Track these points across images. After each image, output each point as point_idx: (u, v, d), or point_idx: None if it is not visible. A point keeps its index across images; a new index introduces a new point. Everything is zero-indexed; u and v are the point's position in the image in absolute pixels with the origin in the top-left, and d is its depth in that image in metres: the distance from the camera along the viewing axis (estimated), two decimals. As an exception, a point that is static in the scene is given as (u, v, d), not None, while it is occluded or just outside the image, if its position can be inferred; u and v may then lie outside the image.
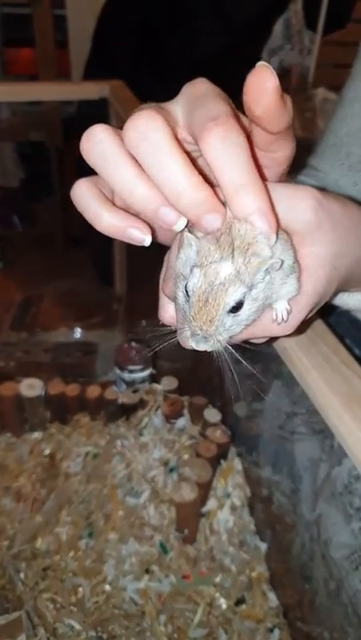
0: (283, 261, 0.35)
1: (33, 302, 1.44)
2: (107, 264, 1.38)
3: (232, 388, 0.99)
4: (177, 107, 0.37)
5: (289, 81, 2.10)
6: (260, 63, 0.32)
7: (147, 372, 1.04)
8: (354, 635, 0.63)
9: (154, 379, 1.07)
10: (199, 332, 0.35)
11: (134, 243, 0.35)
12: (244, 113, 0.35)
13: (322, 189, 0.39)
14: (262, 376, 0.82)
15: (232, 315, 0.35)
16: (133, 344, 1.05)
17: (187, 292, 0.35)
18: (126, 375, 1.03)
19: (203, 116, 0.34)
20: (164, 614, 0.80)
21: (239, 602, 0.83)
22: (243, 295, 0.34)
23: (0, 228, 1.94)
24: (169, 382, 1.07)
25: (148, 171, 0.33)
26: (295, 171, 0.79)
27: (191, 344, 0.36)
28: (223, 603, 0.82)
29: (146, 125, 0.33)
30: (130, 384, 1.04)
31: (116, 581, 0.83)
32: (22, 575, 0.83)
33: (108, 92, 1.17)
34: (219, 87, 0.37)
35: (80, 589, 0.82)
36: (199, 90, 0.37)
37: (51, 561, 0.85)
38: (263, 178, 0.35)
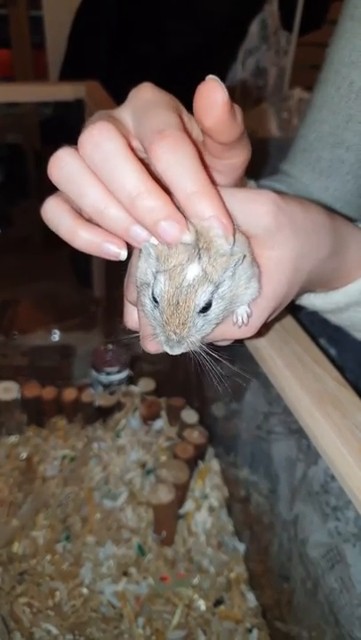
0: (245, 255, 0.36)
1: (11, 305, 1.42)
2: (85, 267, 1.38)
3: (210, 389, 0.99)
4: (126, 114, 0.38)
5: (265, 81, 2.12)
6: (209, 77, 0.32)
7: (124, 374, 1.04)
8: (331, 633, 0.63)
9: (131, 380, 1.07)
10: (173, 336, 0.35)
11: (110, 258, 0.35)
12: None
13: (283, 193, 0.40)
14: (240, 376, 0.82)
15: (202, 315, 0.36)
16: (110, 346, 1.05)
17: (154, 298, 0.36)
18: (103, 377, 1.03)
19: (150, 128, 0.34)
20: (143, 617, 0.80)
21: (218, 603, 0.83)
22: (211, 294, 0.35)
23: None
24: (146, 384, 1.06)
25: (104, 180, 0.34)
26: (270, 173, 0.80)
27: (165, 349, 0.37)
28: (202, 604, 0.82)
29: (99, 136, 0.33)
30: (107, 386, 1.04)
31: (93, 584, 0.82)
32: (-2, 580, 0.82)
33: (84, 92, 1.16)
34: (169, 92, 0.38)
35: (57, 593, 0.81)
36: (144, 97, 0.37)
37: (27, 565, 0.84)
38: (215, 183, 0.35)
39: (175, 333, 0.35)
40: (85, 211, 0.35)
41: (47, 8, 2.34)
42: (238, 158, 0.38)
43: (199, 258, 0.34)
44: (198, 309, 0.35)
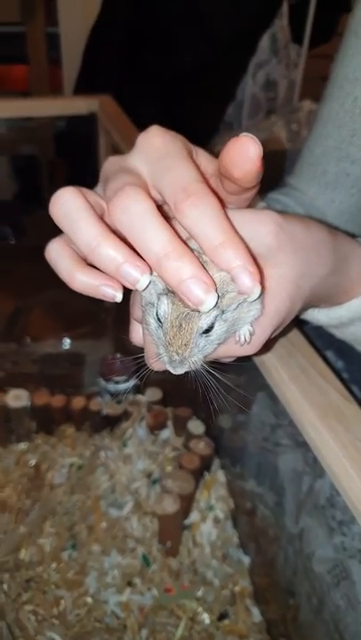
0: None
1: (22, 313, 1.44)
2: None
3: (215, 403, 1.00)
4: (140, 164, 0.39)
5: (275, 94, 2.13)
6: (243, 134, 0.33)
7: (131, 384, 1.05)
8: (336, 651, 0.63)
9: (138, 390, 1.08)
10: (176, 356, 0.37)
11: (107, 300, 0.36)
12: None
13: (285, 212, 0.40)
14: (247, 388, 0.82)
15: (205, 335, 0.37)
16: (118, 355, 1.06)
17: (158, 318, 0.37)
18: (111, 386, 1.04)
19: (172, 184, 0.35)
20: (146, 628, 0.80)
21: (222, 616, 0.82)
22: (215, 318, 0.36)
23: (-9, 241, 1.94)
24: (153, 393, 1.07)
25: (132, 242, 0.34)
26: (280, 185, 0.80)
27: (168, 368, 0.38)
28: (206, 617, 0.82)
29: (127, 199, 0.34)
30: (114, 395, 1.04)
31: (98, 594, 0.83)
32: (5, 586, 0.82)
33: (97, 106, 1.18)
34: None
35: (62, 602, 0.81)
36: (156, 146, 0.38)
37: (34, 572, 0.84)
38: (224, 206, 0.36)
39: (178, 354, 0.36)
40: (79, 249, 0.35)
41: (63, 25, 2.38)
42: (251, 193, 0.39)
43: None
44: (201, 331, 0.36)
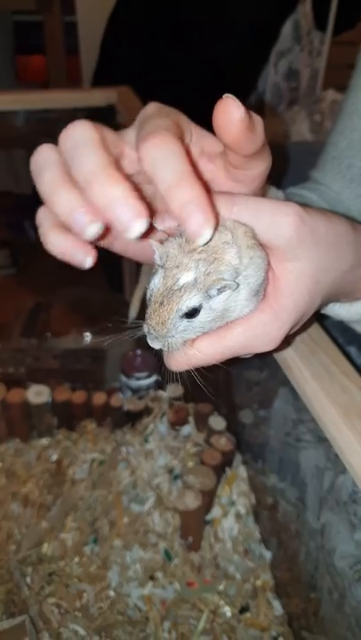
0: (238, 285, 0.36)
1: (44, 309, 1.45)
2: (116, 271, 1.39)
3: (238, 395, 0.99)
4: (131, 132, 0.39)
5: (298, 83, 2.10)
6: (225, 95, 0.33)
7: (152, 379, 1.05)
8: (358, 646, 0.63)
9: (159, 386, 1.08)
10: (152, 331, 0.37)
11: (76, 264, 0.36)
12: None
13: (308, 205, 0.40)
14: (269, 383, 0.82)
15: (186, 319, 0.36)
16: (139, 351, 1.06)
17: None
18: (132, 382, 1.04)
19: (142, 134, 0.35)
20: (168, 621, 0.80)
21: (243, 610, 0.83)
22: (198, 304, 0.36)
23: (12, 235, 1.96)
24: (174, 389, 1.07)
25: (69, 167, 0.34)
26: (300, 177, 0.79)
27: (148, 340, 0.38)
28: (227, 610, 0.82)
29: (72, 128, 0.34)
30: (135, 391, 1.05)
31: (120, 587, 0.83)
32: (28, 579, 0.84)
33: (116, 98, 1.18)
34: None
35: (85, 595, 0.82)
36: (147, 113, 0.39)
37: (56, 566, 0.86)
38: (209, 190, 0.36)
39: (154, 330, 0.36)
40: (42, 198, 0.35)
41: (81, 14, 2.37)
42: (259, 168, 0.39)
43: (197, 266, 0.35)
44: (180, 314, 0.36)
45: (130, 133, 0.39)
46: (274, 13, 1.91)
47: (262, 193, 0.45)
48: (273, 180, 0.67)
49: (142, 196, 0.33)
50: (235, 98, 0.33)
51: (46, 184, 0.34)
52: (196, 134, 0.41)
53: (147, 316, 0.37)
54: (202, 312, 0.36)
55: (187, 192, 0.32)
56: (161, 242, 0.37)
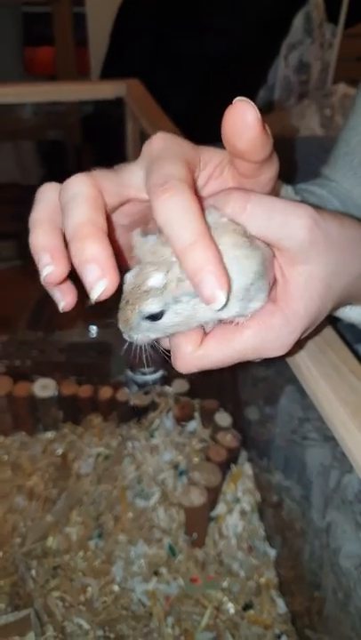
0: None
1: (50, 301, 1.44)
2: (122, 265, 1.39)
3: (244, 392, 0.99)
4: (138, 168, 0.38)
5: (308, 76, 2.07)
6: (237, 98, 0.32)
7: (158, 375, 1.05)
8: (362, 646, 0.63)
9: (165, 381, 1.07)
10: (119, 327, 0.37)
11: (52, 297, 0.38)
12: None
13: (319, 207, 0.39)
14: (275, 380, 0.81)
15: (149, 320, 0.36)
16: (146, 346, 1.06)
17: None
18: (138, 377, 1.04)
19: (153, 181, 0.34)
20: (172, 616, 0.80)
21: (247, 607, 0.83)
22: (159, 310, 0.35)
23: (19, 226, 1.96)
24: (180, 385, 1.07)
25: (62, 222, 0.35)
26: (310, 172, 0.78)
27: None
28: (231, 607, 0.82)
29: (69, 183, 0.35)
30: (141, 386, 1.05)
31: (124, 582, 0.84)
32: (33, 573, 0.84)
33: (125, 91, 1.17)
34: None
35: (89, 589, 0.83)
36: (155, 149, 0.37)
37: (61, 560, 0.86)
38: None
39: (120, 326, 0.37)
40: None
41: (90, 5, 2.35)
42: (267, 175, 0.38)
43: (170, 269, 0.34)
44: (143, 316, 0.36)
45: (136, 173, 0.38)
46: (285, 5, 1.88)
47: (275, 193, 0.44)
48: (281, 176, 0.66)
49: (117, 251, 0.34)
50: (248, 100, 0.32)
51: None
52: (204, 159, 0.39)
53: (118, 307, 0.37)
54: (167, 315, 0.36)
55: (201, 256, 0.31)
56: (145, 232, 0.37)
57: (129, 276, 0.36)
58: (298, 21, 1.94)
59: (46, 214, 0.37)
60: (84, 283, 0.32)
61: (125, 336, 0.38)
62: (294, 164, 0.98)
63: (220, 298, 0.32)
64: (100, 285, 0.32)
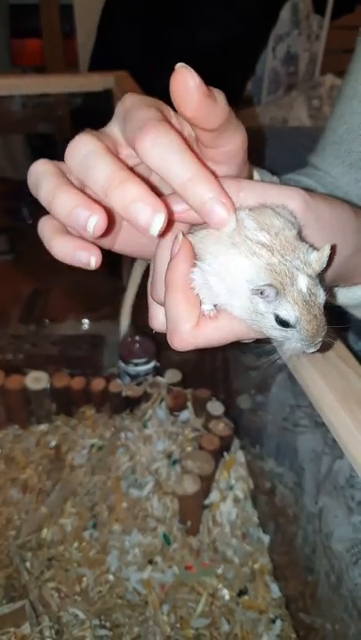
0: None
1: (42, 295, 1.44)
2: (115, 256, 1.39)
3: (236, 380, 1.00)
4: (114, 127, 0.38)
5: (296, 68, 2.07)
6: (178, 65, 0.32)
7: (151, 365, 1.05)
8: (354, 628, 0.64)
9: (158, 371, 1.08)
10: (320, 338, 0.36)
11: (82, 266, 0.35)
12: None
13: (310, 190, 0.39)
14: (266, 368, 0.82)
15: None
16: (137, 337, 1.06)
17: (282, 323, 0.35)
18: (130, 368, 1.04)
19: (132, 127, 0.34)
20: (167, 604, 0.81)
21: (242, 593, 0.84)
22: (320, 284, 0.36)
23: (10, 221, 1.95)
24: (173, 375, 1.07)
25: (83, 181, 0.34)
26: (299, 167, 0.78)
27: (311, 350, 0.37)
28: (226, 593, 0.83)
29: (78, 143, 0.35)
30: (134, 377, 1.05)
31: (119, 572, 0.84)
32: (28, 564, 0.84)
33: (113, 83, 1.16)
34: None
35: (84, 579, 0.83)
36: (127, 104, 0.37)
37: (56, 551, 0.86)
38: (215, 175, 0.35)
39: (322, 336, 0.36)
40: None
41: (77, -4, 2.33)
42: (233, 144, 0.37)
43: (297, 268, 0.34)
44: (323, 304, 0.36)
45: (113, 129, 0.38)
46: None
47: (247, 174, 0.44)
48: (270, 166, 0.66)
49: (159, 193, 0.33)
50: (187, 66, 0.32)
51: (46, 191, 0.35)
52: (178, 122, 0.40)
53: (313, 336, 0.35)
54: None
55: (204, 187, 0.32)
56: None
57: (292, 313, 0.34)
58: (285, 13, 1.93)
59: (61, 179, 0.36)
60: (135, 224, 0.32)
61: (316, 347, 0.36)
62: (282, 154, 0.98)
63: (232, 220, 0.33)
64: (158, 219, 0.32)
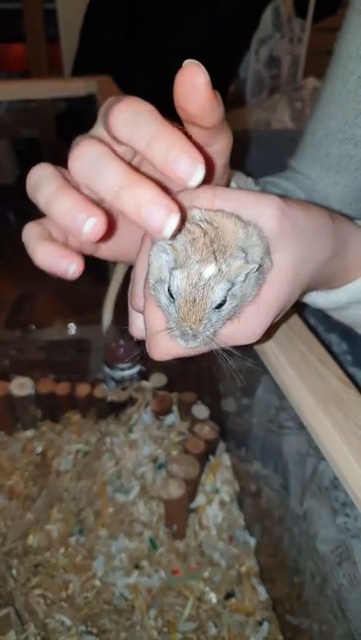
0: (260, 265, 0.36)
1: (27, 300, 1.44)
2: (100, 262, 1.38)
3: (221, 384, 1.00)
4: (99, 127, 0.38)
5: (279, 71, 2.09)
6: (187, 61, 0.32)
7: (136, 370, 1.05)
8: (340, 628, 0.64)
9: (143, 376, 1.08)
10: (189, 331, 0.36)
11: (61, 274, 0.35)
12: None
13: (286, 196, 0.39)
14: (251, 371, 0.82)
15: (217, 311, 0.36)
16: (122, 342, 1.06)
17: (171, 294, 0.36)
18: (116, 373, 1.04)
19: (109, 114, 0.34)
20: (154, 609, 0.81)
21: (229, 596, 0.84)
22: (226, 292, 0.35)
23: (-5, 226, 1.94)
24: (158, 379, 1.07)
25: (90, 186, 0.34)
26: (281, 169, 0.79)
27: (180, 343, 0.37)
28: (213, 597, 0.83)
29: (83, 147, 0.34)
30: (119, 382, 1.05)
31: (106, 577, 0.84)
32: (14, 571, 0.84)
33: (96, 88, 1.17)
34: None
35: (71, 585, 0.83)
36: (107, 104, 0.38)
37: (42, 557, 0.86)
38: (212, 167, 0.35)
39: (191, 329, 0.36)
40: (44, 210, 0.35)
41: (60, 1, 2.33)
42: (221, 144, 0.38)
43: (215, 259, 0.35)
44: (214, 306, 0.36)
45: (98, 130, 0.38)
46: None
47: (228, 176, 0.45)
48: (253, 168, 0.67)
49: (169, 193, 0.33)
50: (197, 62, 0.32)
51: (47, 193, 0.35)
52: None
53: (180, 317, 0.36)
54: (227, 300, 0.36)
55: (167, 140, 0.31)
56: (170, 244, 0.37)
57: (178, 283, 0.35)
58: (267, 16, 1.95)
59: (64, 182, 0.35)
60: (148, 226, 0.32)
61: (191, 342, 0.37)
62: (264, 157, 0.99)
63: (199, 171, 0.31)
64: (172, 220, 0.31)
